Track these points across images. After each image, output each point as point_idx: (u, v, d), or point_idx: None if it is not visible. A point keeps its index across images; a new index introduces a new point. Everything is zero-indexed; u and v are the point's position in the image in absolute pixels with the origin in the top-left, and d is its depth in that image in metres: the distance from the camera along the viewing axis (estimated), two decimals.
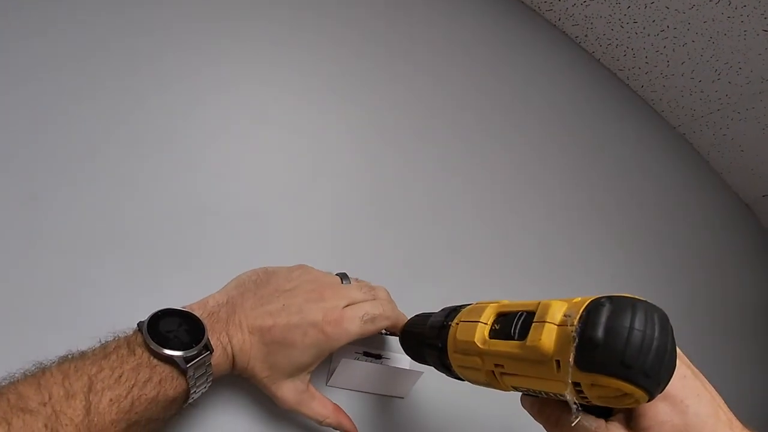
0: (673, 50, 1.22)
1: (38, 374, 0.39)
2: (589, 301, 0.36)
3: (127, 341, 0.45)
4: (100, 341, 0.45)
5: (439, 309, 0.58)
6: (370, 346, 0.71)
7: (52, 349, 0.43)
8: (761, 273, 1.76)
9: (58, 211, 0.60)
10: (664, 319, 0.35)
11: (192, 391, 0.47)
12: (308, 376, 0.58)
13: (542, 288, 0.97)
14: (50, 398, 0.37)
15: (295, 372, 0.55)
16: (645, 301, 0.35)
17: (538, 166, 1.06)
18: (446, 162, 0.92)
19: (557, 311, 0.38)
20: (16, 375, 0.40)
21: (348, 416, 0.62)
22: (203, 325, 0.47)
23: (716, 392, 0.43)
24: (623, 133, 1.28)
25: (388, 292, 0.63)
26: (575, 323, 0.35)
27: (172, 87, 0.72)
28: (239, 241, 0.69)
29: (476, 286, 0.88)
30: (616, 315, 0.34)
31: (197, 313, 0.48)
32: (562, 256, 1.04)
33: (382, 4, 0.95)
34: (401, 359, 0.72)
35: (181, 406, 0.48)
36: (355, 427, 0.63)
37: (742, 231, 1.70)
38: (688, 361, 0.43)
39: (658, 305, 0.36)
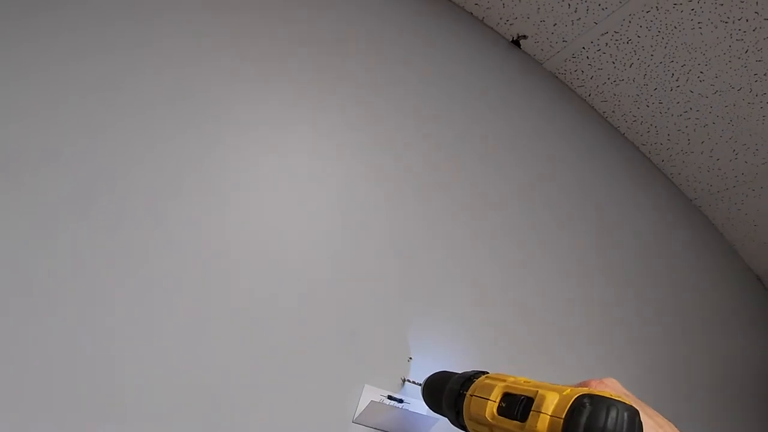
0: (694, 130, 1.31)
1: None
2: (575, 397, 0.47)
3: None
4: None
5: (458, 372, 0.69)
6: (394, 391, 0.82)
7: None
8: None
9: None
10: (633, 416, 0.46)
11: None
12: None
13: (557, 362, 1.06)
14: None
15: None
16: (618, 401, 0.46)
17: (558, 232, 1.15)
18: (474, 233, 1.02)
19: (550, 403, 0.49)
20: None
21: None
22: None
23: (665, 421, 0.54)
24: (642, 203, 1.37)
25: None
26: (563, 417, 0.46)
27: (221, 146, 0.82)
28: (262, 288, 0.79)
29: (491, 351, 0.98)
30: (594, 415, 0.45)
31: None
32: (571, 324, 1.13)
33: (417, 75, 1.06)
34: (421, 405, 0.83)
35: None
36: None
37: (752, 302, 1.77)
38: (641, 403, 0.54)
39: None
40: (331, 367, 0.80)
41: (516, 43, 1.25)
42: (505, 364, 0.92)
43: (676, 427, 0.57)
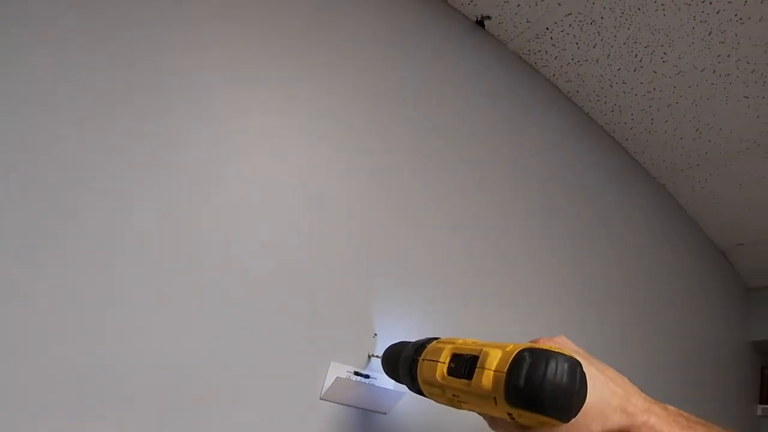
0: (658, 110, 1.34)
1: None
2: (516, 352, 0.48)
3: None
4: None
5: (412, 340, 0.71)
6: (360, 367, 0.84)
7: None
8: (736, 315, 1.86)
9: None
10: (573, 366, 0.47)
11: None
12: None
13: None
14: None
15: None
16: (558, 353, 0.48)
17: (522, 209, 1.17)
18: (437, 211, 1.03)
19: (494, 359, 0.50)
20: None
21: None
22: None
23: (620, 378, 0.56)
24: (606, 181, 1.39)
25: None
26: (505, 371, 0.48)
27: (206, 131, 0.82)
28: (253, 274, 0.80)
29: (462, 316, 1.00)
30: (534, 366, 0.47)
31: None
32: (534, 296, 1.15)
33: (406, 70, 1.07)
34: (387, 380, 0.84)
35: None
36: None
37: (717, 276, 1.80)
38: (590, 358, 0.56)
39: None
40: (296, 345, 0.80)
41: (480, 23, 1.25)
42: (468, 335, 0.93)
43: (628, 381, 0.58)
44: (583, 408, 0.49)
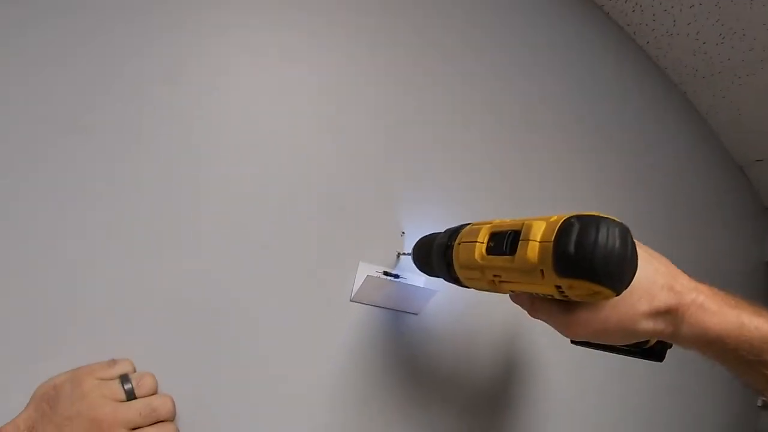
0: (680, 11, 1.28)
1: None
2: (563, 220, 0.47)
3: None
4: None
5: (443, 230, 0.69)
6: (389, 267, 0.83)
7: None
8: (752, 234, 1.84)
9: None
10: (624, 232, 0.46)
11: None
12: None
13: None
14: None
15: None
16: (608, 218, 0.46)
17: (540, 112, 1.13)
18: (462, 104, 0.99)
19: (538, 230, 0.49)
20: None
21: None
22: None
23: (664, 258, 0.56)
24: (625, 84, 1.35)
25: (171, 403, 0.63)
26: (552, 240, 0.46)
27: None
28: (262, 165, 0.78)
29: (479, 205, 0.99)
30: (584, 231, 0.45)
31: None
32: (562, 197, 1.14)
33: None
34: (417, 279, 0.84)
35: None
36: None
37: (734, 193, 1.78)
38: (640, 243, 0.54)
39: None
40: (323, 247, 0.80)
41: None
42: None
43: (671, 262, 0.57)
44: (629, 286, 0.48)
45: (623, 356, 0.65)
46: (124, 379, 0.61)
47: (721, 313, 0.51)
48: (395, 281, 0.81)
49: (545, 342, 1.03)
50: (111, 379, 0.60)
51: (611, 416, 1.21)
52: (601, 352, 0.66)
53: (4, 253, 0.60)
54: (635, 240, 0.48)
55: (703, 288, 0.54)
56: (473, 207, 0.96)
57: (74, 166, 0.64)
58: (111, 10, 0.68)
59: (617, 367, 1.20)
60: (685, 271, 0.56)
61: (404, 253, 0.83)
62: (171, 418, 0.63)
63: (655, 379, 1.32)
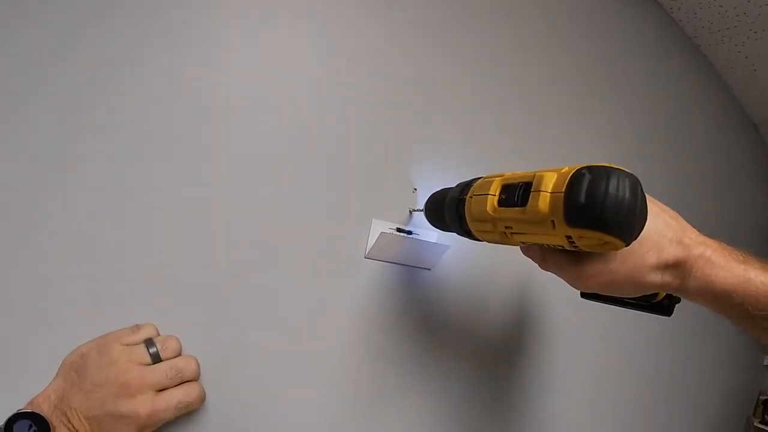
0: None
1: None
2: (574, 171, 0.47)
3: None
4: None
5: (454, 184, 0.69)
6: (402, 224, 0.83)
7: None
8: (763, 190, 1.81)
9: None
10: (635, 183, 0.46)
11: None
12: None
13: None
14: None
15: None
16: (618, 169, 0.46)
17: (550, 65, 1.11)
18: (472, 58, 0.97)
19: (549, 181, 0.49)
20: None
21: None
22: (49, 425, 0.55)
23: (673, 212, 0.57)
24: (638, 37, 1.31)
25: (196, 363, 0.66)
26: (563, 190, 0.46)
27: None
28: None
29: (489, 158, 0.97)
30: (594, 182, 0.45)
31: (44, 411, 0.55)
32: (570, 150, 1.12)
33: None
34: (430, 235, 0.84)
35: None
36: None
37: (748, 149, 1.74)
38: (650, 197, 0.54)
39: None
40: (336, 206, 0.80)
41: None
42: None
43: (680, 216, 0.57)
44: (639, 237, 0.49)
45: (631, 312, 0.66)
46: (149, 343, 0.63)
47: (728, 267, 0.52)
48: (408, 237, 0.81)
49: (555, 295, 1.04)
50: (136, 344, 0.62)
51: (616, 372, 1.23)
52: (610, 305, 0.66)
53: (27, 227, 0.62)
54: (646, 194, 0.49)
55: (711, 242, 0.54)
56: (483, 161, 0.96)
57: (89, 142, 0.65)
58: None
59: (624, 324, 1.21)
60: (695, 226, 0.56)
61: (416, 210, 0.83)
62: (196, 378, 0.66)
63: (661, 337, 1.33)
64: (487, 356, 0.95)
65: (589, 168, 0.46)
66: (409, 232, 0.83)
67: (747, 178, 1.74)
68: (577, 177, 0.46)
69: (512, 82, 1.02)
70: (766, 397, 1.88)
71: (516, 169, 0.60)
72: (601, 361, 1.17)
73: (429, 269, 0.87)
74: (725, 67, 1.56)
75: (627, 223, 0.45)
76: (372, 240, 0.80)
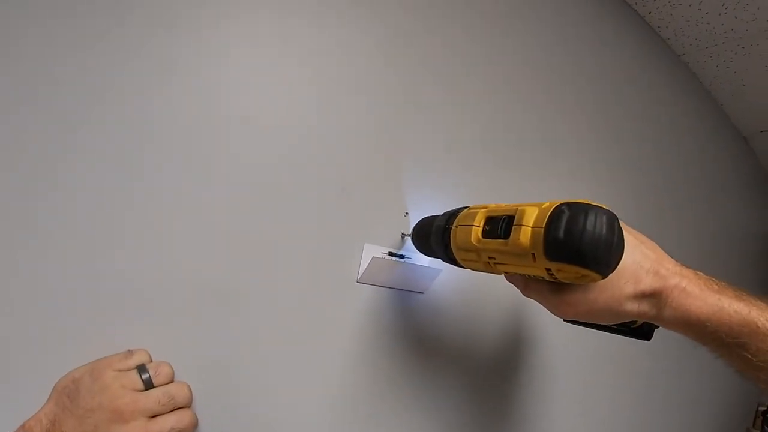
0: None
1: None
2: (554, 207, 0.49)
3: None
4: None
5: (441, 213, 0.71)
6: (394, 248, 0.85)
7: None
8: (754, 204, 1.82)
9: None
10: (611, 219, 0.48)
11: None
12: None
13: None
14: None
15: None
16: (596, 206, 0.48)
17: (538, 89, 1.12)
18: (464, 81, 0.99)
19: (530, 216, 0.51)
20: None
21: None
22: None
23: (651, 243, 0.59)
24: (627, 56, 1.33)
25: (188, 390, 0.66)
26: (543, 225, 0.48)
27: None
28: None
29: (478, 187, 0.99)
30: (573, 218, 0.47)
31: None
32: (561, 168, 1.14)
33: None
34: (421, 259, 0.85)
35: None
36: None
37: (738, 163, 1.76)
38: (629, 228, 0.57)
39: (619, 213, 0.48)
40: (328, 230, 0.81)
41: None
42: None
43: (658, 246, 0.59)
44: (616, 269, 0.50)
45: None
46: (141, 369, 0.63)
47: (703, 297, 0.54)
48: (400, 261, 0.83)
49: (547, 315, 1.04)
50: (129, 369, 0.63)
51: (611, 385, 1.24)
52: (592, 329, 0.68)
53: (17, 247, 0.62)
54: (624, 225, 0.51)
55: (688, 273, 0.56)
56: (475, 187, 0.97)
57: (84, 158, 0.66)
58: None
59: (616, 340, 1.21)
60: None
61: (408, 234, 0.84)
62: (188, 404, 0.66)
63: (656, 348, 1.33)
64: (479, 379, 0.96)
65: (569, 204, 0.48)
66: (402, 256, 0.84)
67: (738, 190, 1.76)
68: (557, 213, 0.48)
69: (505, 108, 1.04)
70: (764, 408, 1.89)
71: (507, 195, 0.61)
72: (595, 376, 1.18)
73: (422, 293, 0.88)
74: (714, 83, 1.58)
75: (604, 257, 0.47)
76: (364, 264, 0.82)
